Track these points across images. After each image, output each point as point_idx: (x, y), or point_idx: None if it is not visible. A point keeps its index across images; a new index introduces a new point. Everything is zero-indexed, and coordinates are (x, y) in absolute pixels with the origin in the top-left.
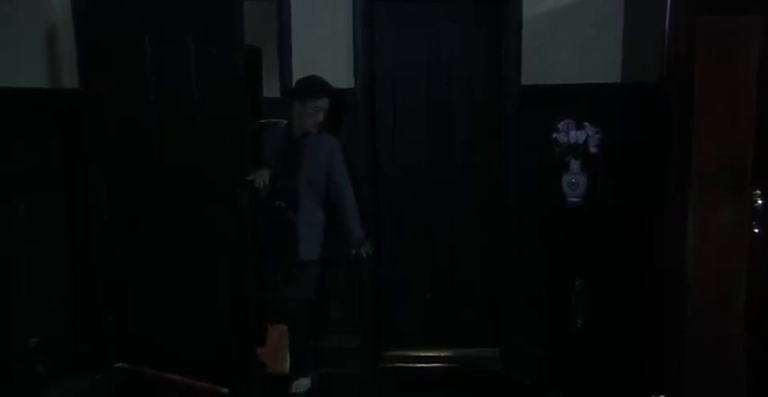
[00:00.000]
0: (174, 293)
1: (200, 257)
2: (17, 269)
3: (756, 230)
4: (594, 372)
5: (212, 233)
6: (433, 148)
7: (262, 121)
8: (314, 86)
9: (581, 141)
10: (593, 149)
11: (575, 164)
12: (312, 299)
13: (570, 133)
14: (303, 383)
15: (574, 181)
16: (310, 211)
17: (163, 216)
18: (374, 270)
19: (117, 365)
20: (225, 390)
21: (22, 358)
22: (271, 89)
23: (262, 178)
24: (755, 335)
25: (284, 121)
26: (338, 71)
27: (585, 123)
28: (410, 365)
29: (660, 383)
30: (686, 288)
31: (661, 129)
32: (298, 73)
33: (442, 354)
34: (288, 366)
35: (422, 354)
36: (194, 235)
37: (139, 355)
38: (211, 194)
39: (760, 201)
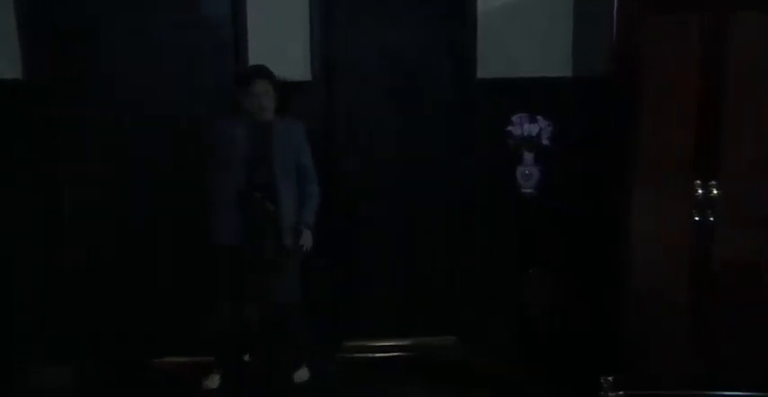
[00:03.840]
0: (173, 292)
1: (200, 257)
2: (12, 269)
3: (696, 218)
4: (555, 358)
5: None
6: (400, 142)
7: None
8: (251, 70)
9: (534, 134)
10: (545, 141)
11: (528, 156)
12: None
13: (524, 126)
14: (302, 374)
15: (527, 173)
16: (290, 200)
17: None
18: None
19: (116, 364)
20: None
21: (20, 358)
22: None
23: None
24: (699, 321)
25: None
26: (295, 62)
27: (538, 116)
28: (373, 355)
29: (613, 366)
30: (631, 275)
31: (610, 122)
32: None
33: (406, 343)
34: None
35: (386, 344)
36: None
37: (137, 354)
38: None
39: (700, 191)
